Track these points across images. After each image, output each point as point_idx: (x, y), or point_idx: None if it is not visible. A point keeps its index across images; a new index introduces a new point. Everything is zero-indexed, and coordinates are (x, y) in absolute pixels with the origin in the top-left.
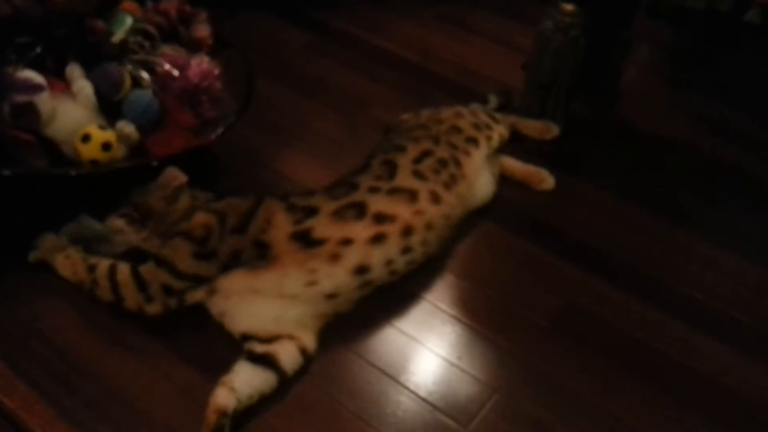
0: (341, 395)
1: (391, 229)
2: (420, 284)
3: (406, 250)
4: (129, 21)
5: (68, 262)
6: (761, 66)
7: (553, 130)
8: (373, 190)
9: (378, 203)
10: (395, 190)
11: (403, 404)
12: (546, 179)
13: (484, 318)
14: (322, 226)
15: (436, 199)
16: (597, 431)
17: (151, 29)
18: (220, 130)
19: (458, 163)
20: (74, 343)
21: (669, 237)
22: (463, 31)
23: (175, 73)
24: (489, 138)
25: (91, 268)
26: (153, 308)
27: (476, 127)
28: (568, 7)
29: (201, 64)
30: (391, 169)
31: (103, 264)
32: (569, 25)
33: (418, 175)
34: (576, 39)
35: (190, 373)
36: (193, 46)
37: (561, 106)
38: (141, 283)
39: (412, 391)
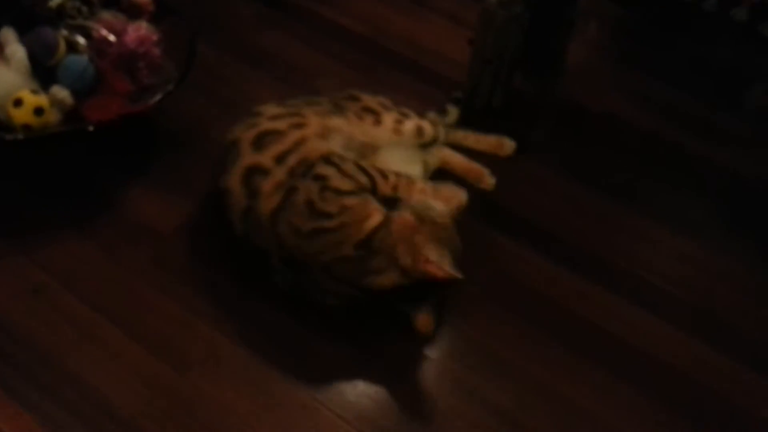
0: (269, 358)
1: (310, 131)
2: None
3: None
4: None
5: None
6: (708, 47)
7: (507, 147)
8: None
9: (277, 124)
10: (277, 116)
11: (333, 367)
12: (485, 179)
13: None
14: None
15: (319, 113)
16: (523, 395)
17: None
18: (158, 97)
19: (341, 108)
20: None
21: (609, 213)
22: (415, 6)
23: (112, 38)
24: (399, 122)
25: None
26: None
27: (382, 105)
28: None
29: (138, 29)
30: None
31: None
32: (512, 1)
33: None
34: (519, 15)
35: (141, 353)
36: (134, 13)
37: (505, 82)
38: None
39: (342, 354)
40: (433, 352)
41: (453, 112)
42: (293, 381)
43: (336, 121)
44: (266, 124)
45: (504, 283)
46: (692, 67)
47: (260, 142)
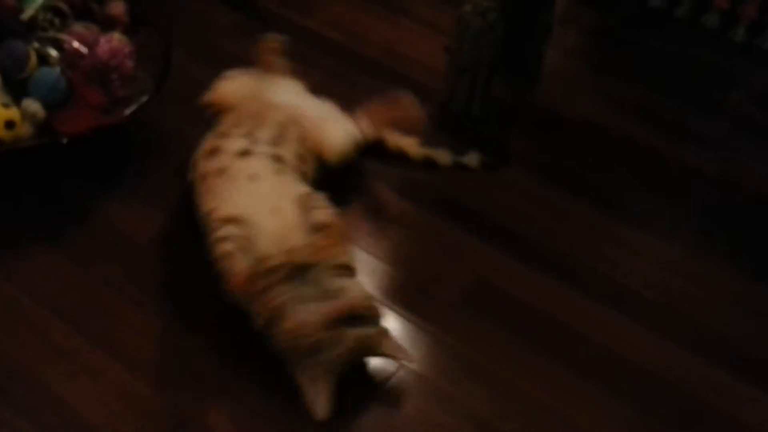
0: (249, 369)
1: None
2: None
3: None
4: None
5: None
6: (681, 52)
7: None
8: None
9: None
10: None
11: None
12: (411, 112)
13: (393, 294)
14: None
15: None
16: (501, 402)
17: (63, 6)
18: (131, 109)
19: None
20: None
21: (586, 218)
22: (391, 12)
23: (84, 50)
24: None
25: None
26: None
27: None
28: None
29: (111, 41)
30: None
31: None
32: (487, 8)
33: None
34: (494, 23)
35: (118, 369)
36: (108, 24)
37: (482, 89)
38: None
39: None
40: (410, 361)
41: (473, 158)
42: (272, 391)
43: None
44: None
45: (482, 290)
46: (667, 72)
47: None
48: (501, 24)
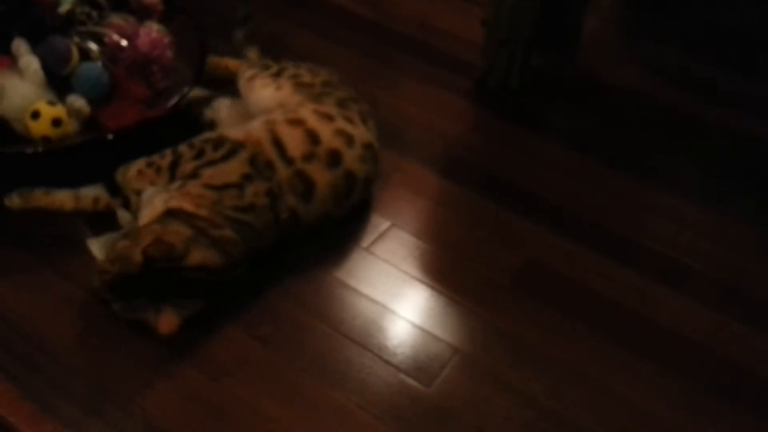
0: (303, 361)
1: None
2: (381, 247)
3: None
4: None
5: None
6: (721, 13)
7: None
8: None
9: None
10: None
11: (367, 367)
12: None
13: (445, 278)
14: None
15: None
16: (559, 387)
17: None
18: (174, 101)
19: None
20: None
21: (628, 189)
22: None
23: (124, 43)
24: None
25: None
26: None
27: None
28: None
29: (150, 33)
30: None
31: None
32: None
33: None
34: None
35: (175, 361)
36: (143, 14)
37: (521, 62)
38: None
39: (375, 354)
40: (464, 346)
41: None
42: (328, 383)
43: None
44: None
45: (533, 270)
46: (706, 34)
47: None
48: None
